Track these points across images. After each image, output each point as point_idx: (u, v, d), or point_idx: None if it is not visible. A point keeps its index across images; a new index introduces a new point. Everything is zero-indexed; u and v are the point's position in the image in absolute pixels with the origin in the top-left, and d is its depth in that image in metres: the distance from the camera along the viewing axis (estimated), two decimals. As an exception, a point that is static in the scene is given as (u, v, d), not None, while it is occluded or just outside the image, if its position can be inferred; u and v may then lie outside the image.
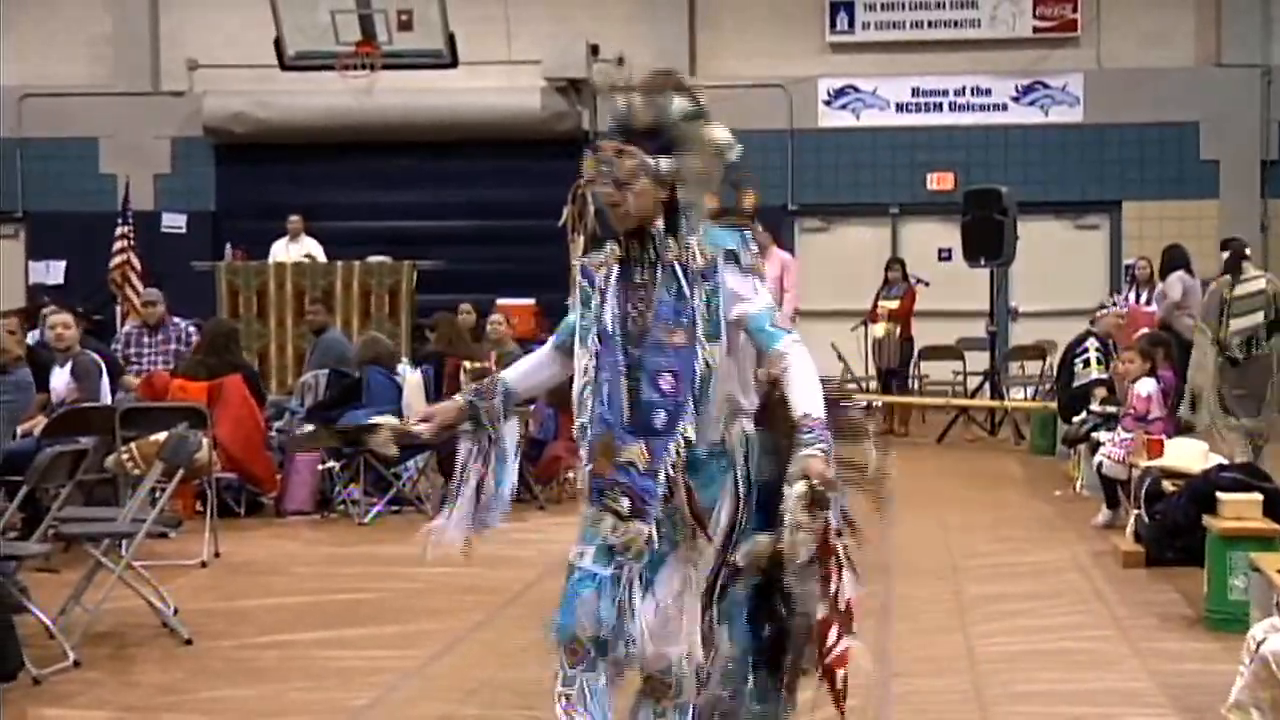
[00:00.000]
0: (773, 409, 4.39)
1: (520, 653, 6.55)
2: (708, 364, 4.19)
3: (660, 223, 4.26)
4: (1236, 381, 11.41)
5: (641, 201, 4.23)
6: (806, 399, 4.12)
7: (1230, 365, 11.49)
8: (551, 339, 4.57)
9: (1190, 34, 19.23)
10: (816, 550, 4.10)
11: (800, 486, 3.97)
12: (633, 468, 4.19)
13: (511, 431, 4.52)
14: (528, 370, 4.62)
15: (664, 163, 4.23)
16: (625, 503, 4.18)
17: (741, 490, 4.32)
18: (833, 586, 4.19)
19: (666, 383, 4.21)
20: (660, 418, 4.19)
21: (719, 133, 4.35)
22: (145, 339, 13.15)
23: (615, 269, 4.32)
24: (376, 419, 4.92)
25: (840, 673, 4.29)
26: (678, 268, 4.24)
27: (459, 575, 7.82)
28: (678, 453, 4.18)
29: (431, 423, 4.50)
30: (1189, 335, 15.11)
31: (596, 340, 4.30)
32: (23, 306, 14.34)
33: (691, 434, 4.18)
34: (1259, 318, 11.62)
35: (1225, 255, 12.37)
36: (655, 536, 4.18)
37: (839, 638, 4.24)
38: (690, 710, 4.29)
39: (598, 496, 4.22)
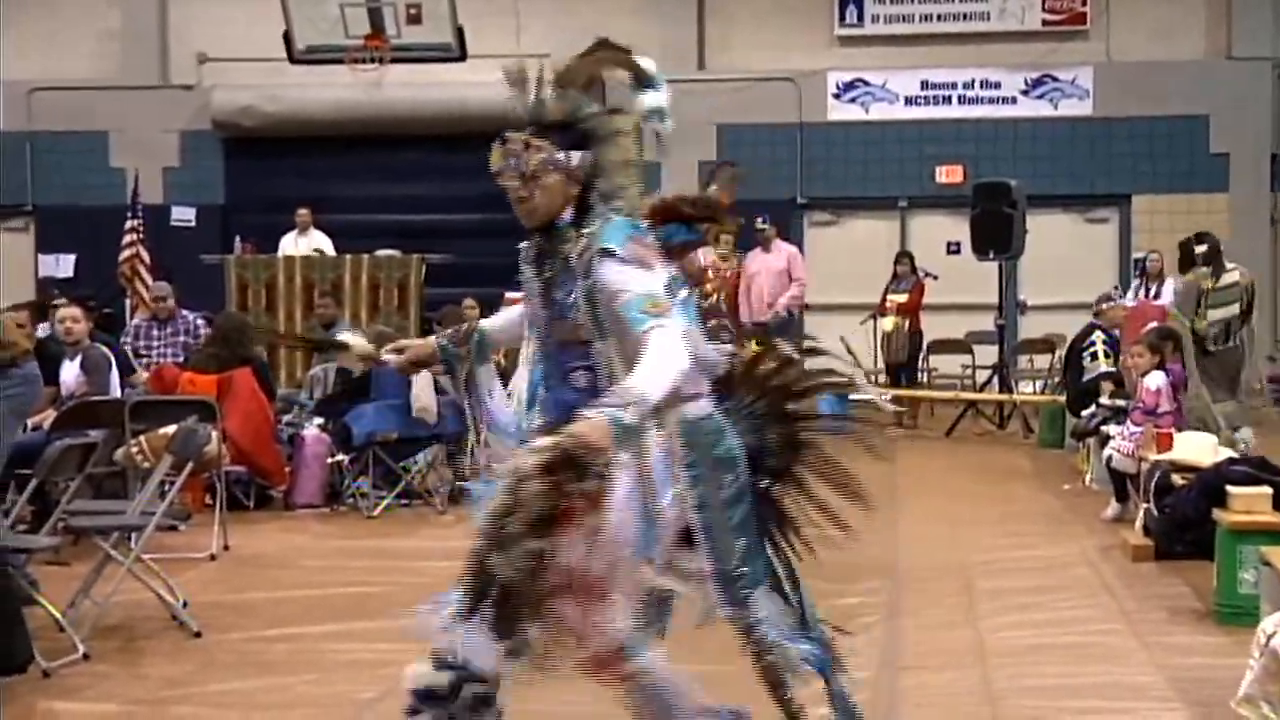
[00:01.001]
0: (735, 380, 4.38)
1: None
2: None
3: (568, 218, 4.17)
4: (1208, 370, 11.67)
5: (548, 197, 4.15)
6: (639, 375, 3.74)
7: (1203, 355, 11.76)
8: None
9: (1200, 27, 19.21)
10: (551, 512, 3.66)
11: (548, 441, 3.61)
12: None
13: (486, 376, 4.51)
14: (508, 322, 4.60)
15: (575, 157, 4.16)
16: None
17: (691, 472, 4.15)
18: (566, 554, 3.75)
19: (583, 380, 4.13)
20: (558, 414, 4.06)
21: (650, 100, 4.31)
22: (155, 332, 13.17)
23: (532, 264, 4.25)
24: (346, 336, 4.94)
25: (598, 646, 3.97)
26: (567, 263, 4.12)
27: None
28: None
29: (402, 355, 4.57)
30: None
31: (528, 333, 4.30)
32: (33, 300, 14.33)
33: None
34: (1234, 309, 12.11)
35: (1201, 249, 12.63)
36: None
37: (578, 607, 3.86)
38: None
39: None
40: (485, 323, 4.65)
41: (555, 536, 3.72)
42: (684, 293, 4.20)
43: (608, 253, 4.02)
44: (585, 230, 4.11)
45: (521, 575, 3.75)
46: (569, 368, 4.16)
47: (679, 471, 4.14)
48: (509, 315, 4.66)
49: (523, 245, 4.33)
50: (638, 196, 4.30)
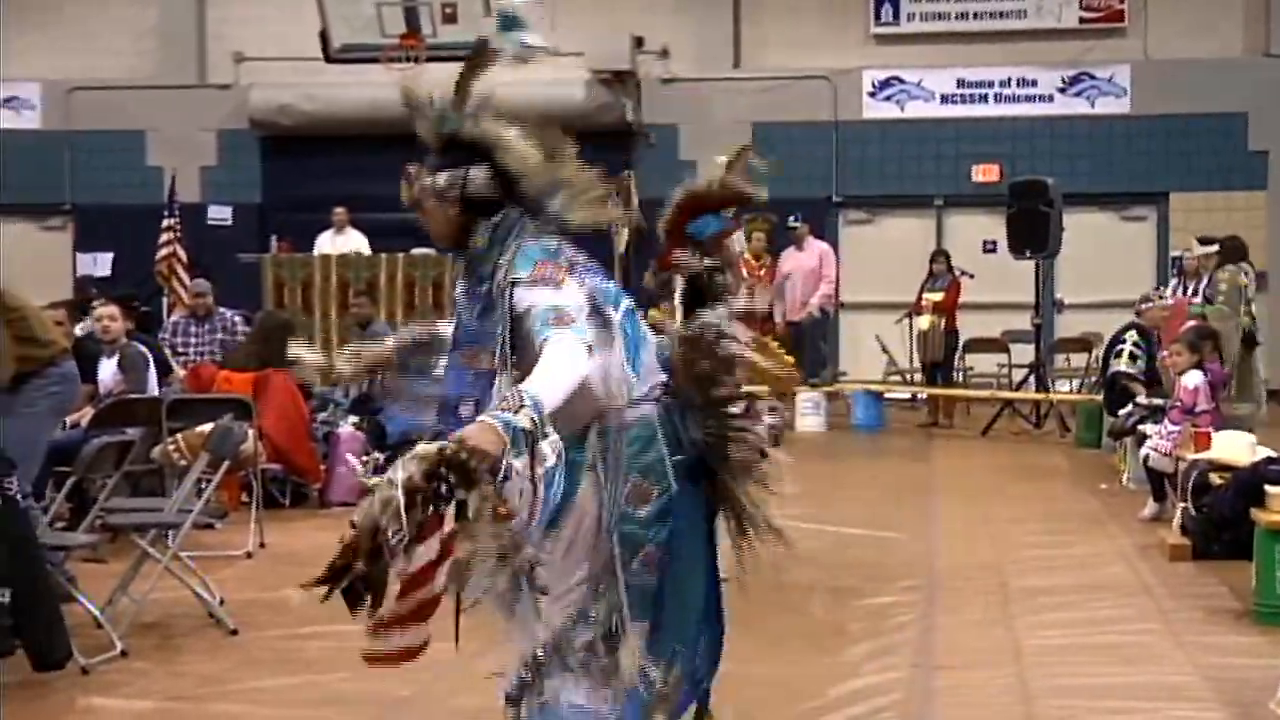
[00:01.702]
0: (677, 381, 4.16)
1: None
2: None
3: (479, 240, 4.01)
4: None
5: (435, 223, 4.08)
6: (532, 380, 3.54)
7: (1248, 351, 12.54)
8: None
9: (1238, 24, 19.09)
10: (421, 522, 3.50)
11: (431, 447, 3.37)
12: None
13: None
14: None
15: (441, 178, 4.04)
16: None
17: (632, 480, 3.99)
18: (416, 554, 3.59)
19: (467, 411, 3.90)
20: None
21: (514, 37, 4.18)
22: (192, 329, 13.25)
23: (462, 282, 4.11)
24: (298, 351, 4.91)
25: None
26: (482, 287, 3.97)
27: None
28: None
29: (355, 361, 4.52)
30: (1251, 328, 15.10)
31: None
32: (71, 298, 14.42)
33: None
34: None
35: (1222, 248, 13.56)
36: None
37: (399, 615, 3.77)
38: None
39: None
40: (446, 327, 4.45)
41: (417, 545, 3.53)
42: (625, 304, 4.04)
43: (515, 282, 3.84)
44: (501, 259, 3.93)
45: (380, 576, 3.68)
46: (460, 397, 3.99)
47: (603, 480, 3.97)
48: None
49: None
50: (582, 190, 4.12)
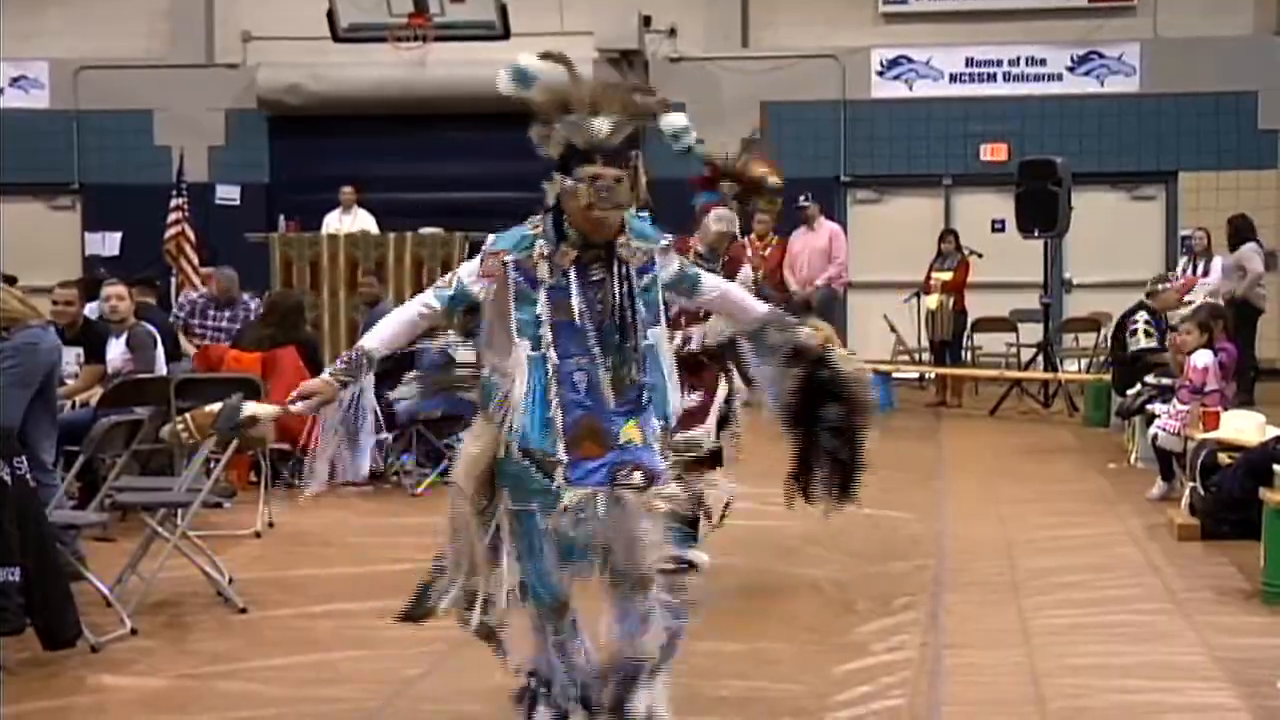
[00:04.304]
0: None
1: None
2: (654, 343, 4.73)
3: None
4: None
5: (622, 214, 4.72)
6: (755, 301, 5.28)
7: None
8: (435, 298, 4.80)
9: (1249, 3, 19.02)
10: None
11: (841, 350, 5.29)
12: (631, 444, 4.62)
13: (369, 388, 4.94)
14: (394, 334, 4.85)
15: (638, 173, 4.68)
16: (638, 476, 4.55)
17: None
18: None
19: (582, 381, 4.66)
20: (644, 396, 4.71)
21: (675, 120, 5.03)
22: (212, 311, 13.28)
23: (572, 269, 4.68)
24: (250, 410, 5.22)
25: None
26: (621, 263, 4.70)
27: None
28: (663, 427, 4.71)
29: (308, 400, 4.90)
30: (1262, 305, 15.10)
31: (551, 333, 4.63)
32: (82, 277, 14.43)
33: (668, 409, 4.77)
34: None
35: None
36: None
37: None
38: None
39: (601, 477, 4.57)
40: (369, 343, 4.83)
41: None
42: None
43: (666, 249, 4.83)
44: (627, 232, 4.74)
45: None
46: (569, 371, 4.65)
47: None
48: (392, 328, 4.87)
49: (514, 257, 4.72)
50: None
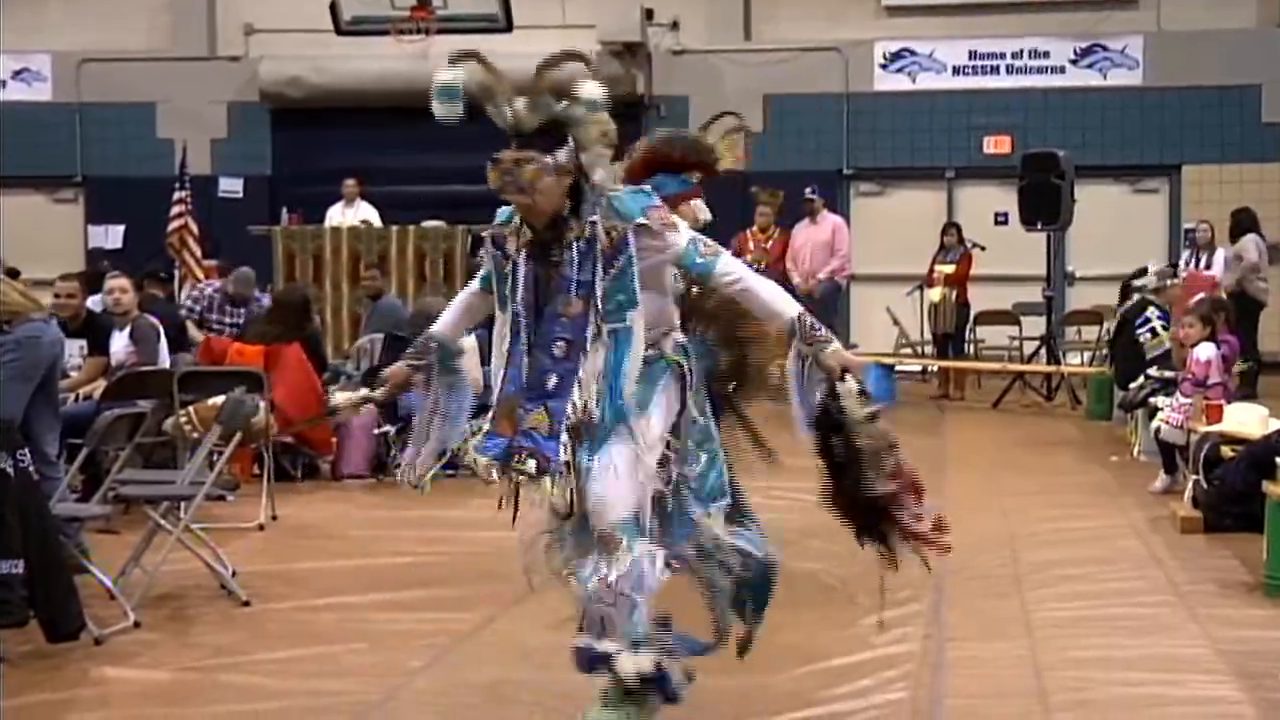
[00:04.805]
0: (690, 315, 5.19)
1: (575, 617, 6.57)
2: (619, 329, 4.66)
3: (567, 207, 4.69)
4: None
5: (548, 198, 4.66)
6: (783, 301, 4.78)
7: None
8: (476, 279, 5.08)
9: (1252, -5, 19.03)
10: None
11: (851, 384, 4.65)
12: (535, 433, 4.67)
13: (466, 366, 5.15)
14: (456, 318, 5.17)
15: (560, 155, 4.64)
16: (531, 464, 4.66)
17: (690, 384, 4.90)
18: (896, 463, 4.85)
19: (559, 349, 4.68)
20: (553, 382, 4.67)
21: (594, 91, 4.66)
22: (227, 306, 13.27)
23: (524, 250, 4.74)
24: (335, 398, 5.64)
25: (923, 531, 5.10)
26: (578, 246, 4.66)
27: (514, 539, 7.83)
28: (573, 413, 4.64)
29: (385, 387, 5.19)
30: (1263, 299, 15.08)
31: (506, 310, 4.77)
32: (83, 270, 14.44)
33: (612, 405, 4.65)
34: None
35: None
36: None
37: (915, 504, 5.04)
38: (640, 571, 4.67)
39: (502, 456, 4.72)
40: (435, 330, 5.16)
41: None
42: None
43: (643, 230, 4.66)
44: (587, 214, 4.66)
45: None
46: (552, 338, 4.68)
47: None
48: (454, 313, 5.19)
49: (491, 230, 4.90)
50: (610, 164, 4.79)
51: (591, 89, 4.62)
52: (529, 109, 4.64)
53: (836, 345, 4.69)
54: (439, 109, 4.81)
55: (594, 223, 4.65)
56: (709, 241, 4.78)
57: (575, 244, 4.65)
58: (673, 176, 5.45)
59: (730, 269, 4.76)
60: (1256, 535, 7.62)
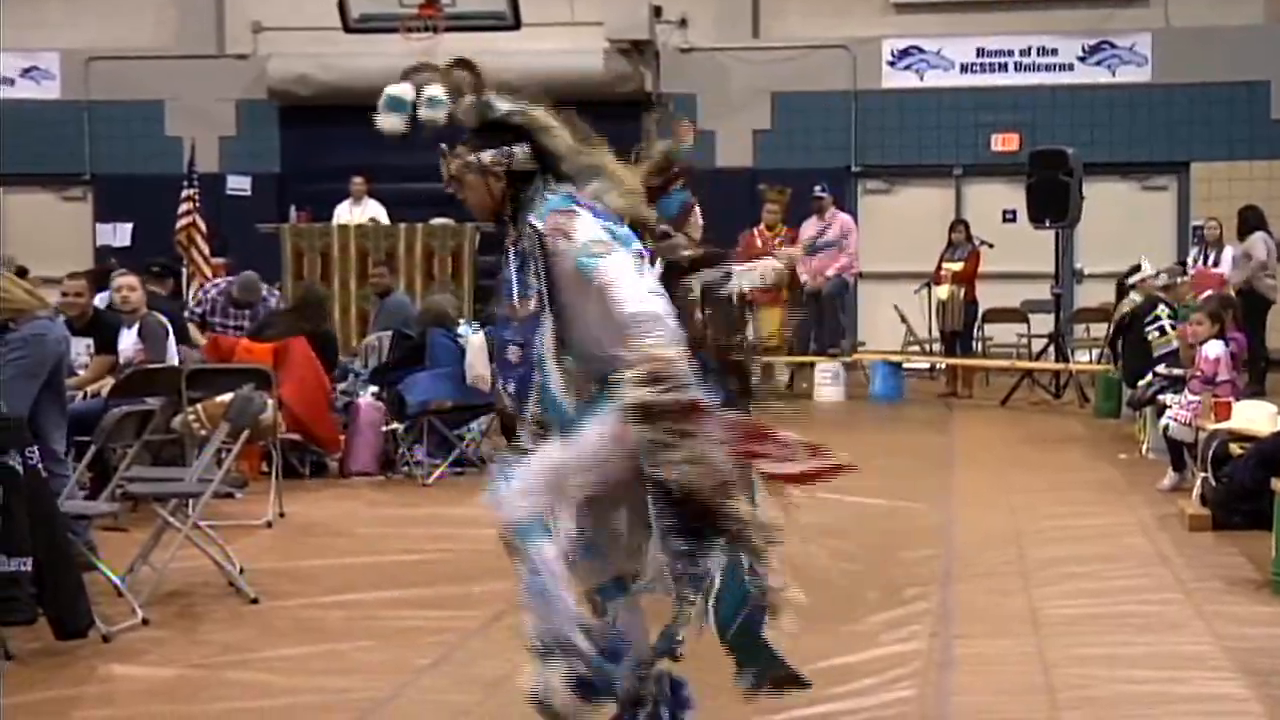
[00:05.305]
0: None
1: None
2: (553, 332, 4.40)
3: (509, 209, 4.57)
4: None
5: (475, 196, 4.62)
6: (631, 345, 4.16)
7: None
8: None
9: (1261, -9, 19.00)
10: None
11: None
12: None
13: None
14: None
15: (485, 155, 4.57)
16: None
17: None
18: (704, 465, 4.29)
19: (513, 355, 4.52)
20: (511, 387, 4.53)
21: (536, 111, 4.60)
22: (230, 309, 13.26)
23: (508, 251, 4.61)
24: None
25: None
26: (514, 248, 4.52)
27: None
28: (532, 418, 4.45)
29: None
30: (1271, 296, 15.06)
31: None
32: (90, 268, 14.44)
33: (535, 405, 4.43)
34: None
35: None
36: None
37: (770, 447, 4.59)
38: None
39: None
40: None
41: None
42: (637, 246, 4.46)
43: (537, 231, 4.42)
44: (525, 216, 4.49)
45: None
46: (503, 343, 4.57)
47: None
48: None
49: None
50: (611, 169, 4.63)
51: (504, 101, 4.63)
52: (469, 106, 4.67)
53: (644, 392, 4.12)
54: (382, 120, 4.90)
55: (531, 225, 4.43)
56: (605, 241, 4.32)
57: (513, 247, 4.55)
58: (671, 196, 5.40)
59: (605, 269, 4.25)
60: (1265, 533, 7.62)
